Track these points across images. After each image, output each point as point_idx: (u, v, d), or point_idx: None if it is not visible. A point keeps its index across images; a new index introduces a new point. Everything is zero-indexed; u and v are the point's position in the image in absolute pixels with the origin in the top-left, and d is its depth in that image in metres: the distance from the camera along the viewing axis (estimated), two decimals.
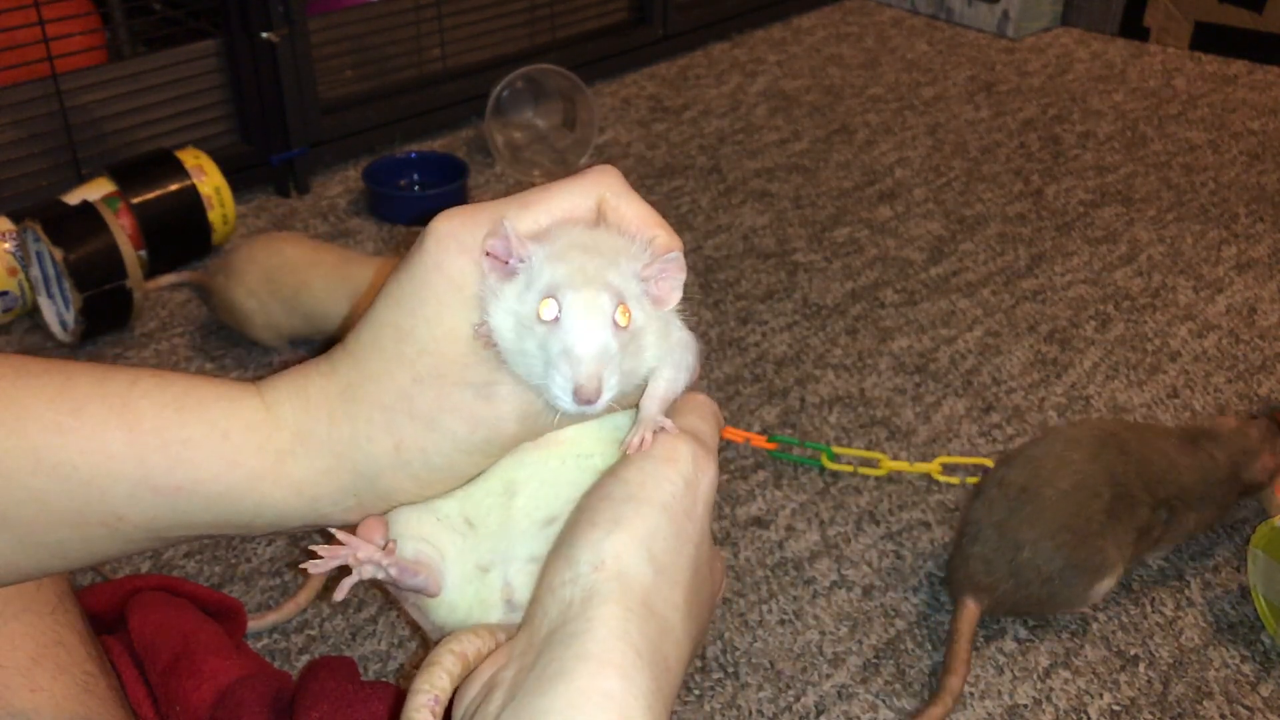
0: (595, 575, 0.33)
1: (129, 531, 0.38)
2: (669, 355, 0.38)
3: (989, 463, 0.99)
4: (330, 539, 0.38)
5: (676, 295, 0.37)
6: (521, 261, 0.36)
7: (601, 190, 0.38)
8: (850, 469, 1.01)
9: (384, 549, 0.38)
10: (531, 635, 0.34)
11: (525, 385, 0.36)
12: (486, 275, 0.36)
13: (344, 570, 0.39)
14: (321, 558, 0.38)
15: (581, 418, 0.38)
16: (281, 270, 1.10)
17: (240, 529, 0.39)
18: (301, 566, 0.38)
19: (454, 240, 0.37)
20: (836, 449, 1.01)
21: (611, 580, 0.33)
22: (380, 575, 0.38)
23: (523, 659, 0.34)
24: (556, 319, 0.35)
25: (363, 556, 0.38)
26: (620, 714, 0.31)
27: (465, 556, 0.40)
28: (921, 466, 1.01)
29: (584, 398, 0.34)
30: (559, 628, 0.33)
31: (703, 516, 0.36)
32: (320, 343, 1.16)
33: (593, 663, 0.32)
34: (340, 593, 0.38)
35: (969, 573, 0.84)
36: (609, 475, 0.36)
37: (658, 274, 0.37)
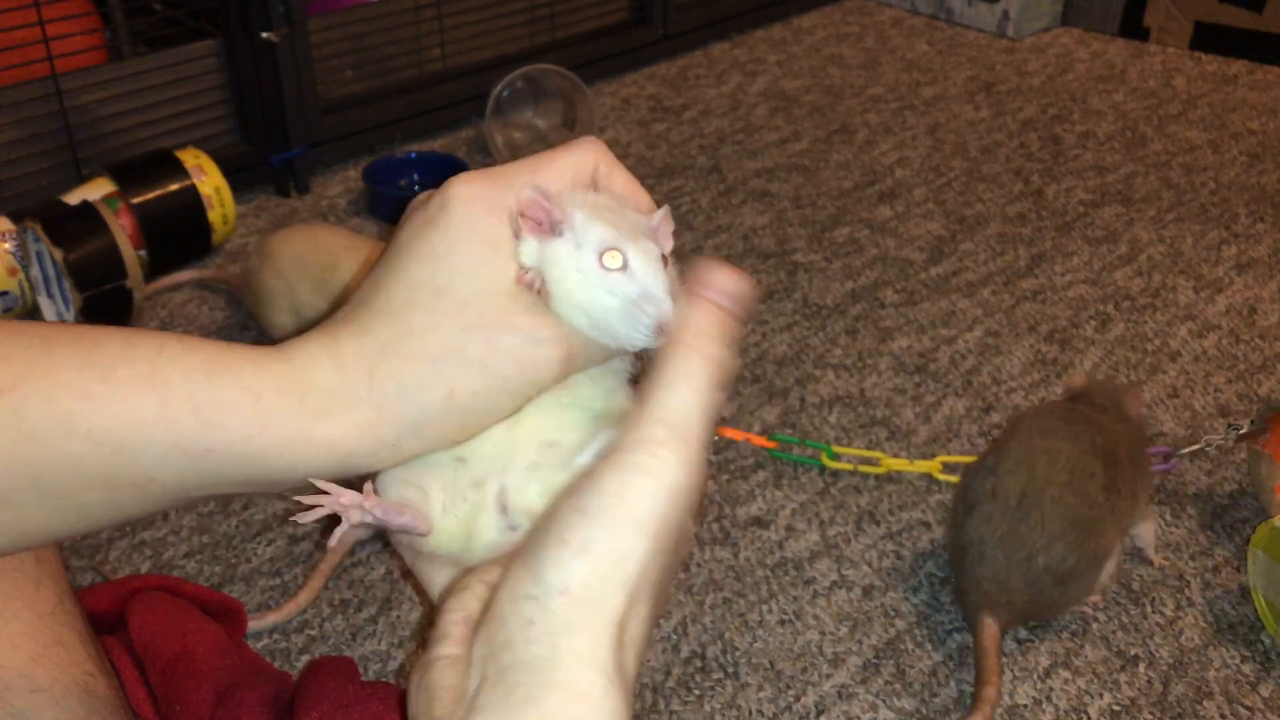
0: (561, 601, 0.33)
1: (157, 492, 0.39)
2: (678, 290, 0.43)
3: None
4: (315, 491, 0.40)
5: (670, 244, 0.43)
6: (563, 223, 0.40)
7: (596, 159, 0.42)
8: (850, 468, 1.01)
9: (364, 493, 0.40)
10: (491, 644, 0.34)
11: (576, 329, 0.40)
12: (525, 234, 0.40)
13: (333, 523, 0.40)
14: (307, 510, 0.40)
15: (643, 348, 0.41)
16: (314, 251, 1.11)
17: (268, 486, 0.40)
18: (290, 518, 0.39)
19: (480, 201, 0.39)
20: (836, 448, 1.01)
21: (579, 607, 0.33)
22: (366, 519, 0.40)
23: (483, 668, 0.34)
24: (623, 268, 0.39)
25: (346, 502, 0.39)
26: None
27: (457, 481, 0.41)
28: (922, 465, 1.01)
29: (667, 329, 0.38)
30: (520, 645, 0.33)
31: (682, 520, 0.35)
32: None
33: (562, 691, 0.31)
34: (333, 540, 0.41)
35: (984, 593, 0.83)
36: (587, 481, 0.35)
37: (658, 227, 0.42)
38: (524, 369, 0.39)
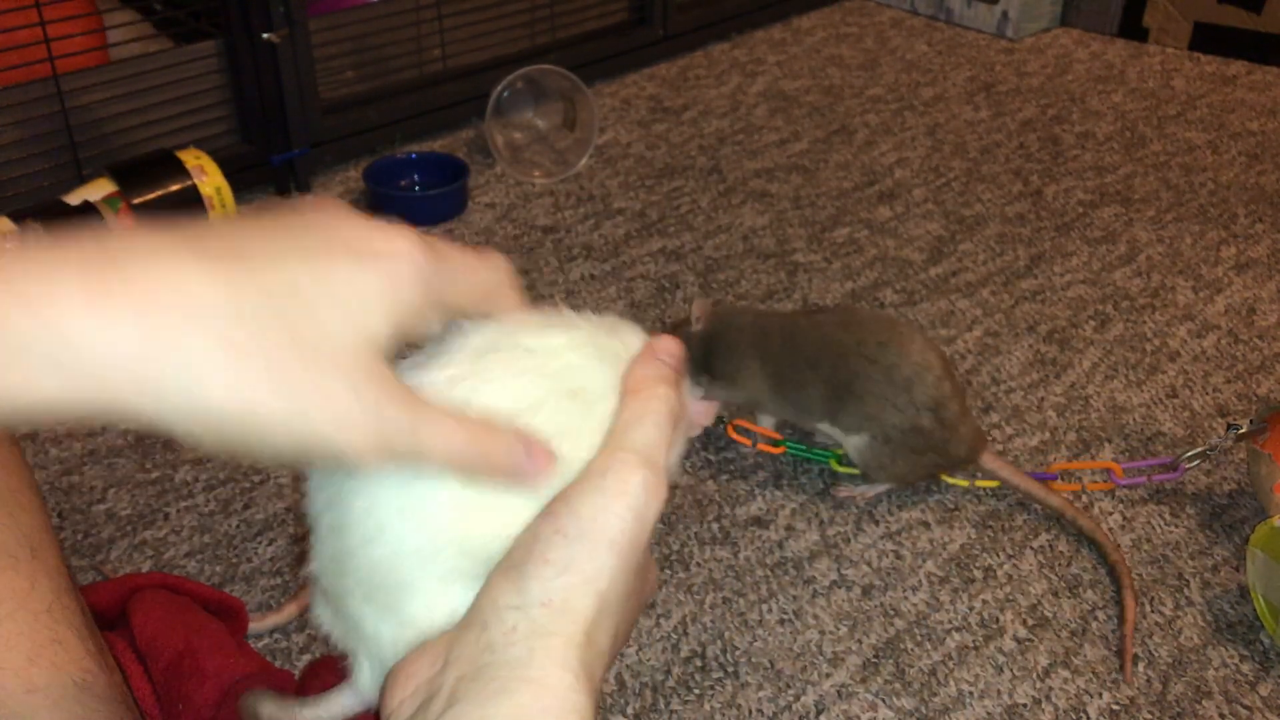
0: (542, 611, 0.36)
1: None
2: None
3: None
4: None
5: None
6: None
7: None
8: (857, 470, 1.01)
9: None
10: (472, 645, 0.36)
11: None
12: None
13: None
14: None
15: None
16: None
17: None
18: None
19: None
20: (840, 452, 1.01)
21: (556, 616, 0.36)
22: None
23: (460, 666, 0.36)
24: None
25: None
26: None
27: None
28: None
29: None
30: (501, 648, 0.35)
31: (647, 542, 0.38)
32: None
33: (534, 685, 0.34)
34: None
35: (977, 434, 0.96)
36: (562, 504, 0.37)
37: None
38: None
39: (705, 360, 0.98)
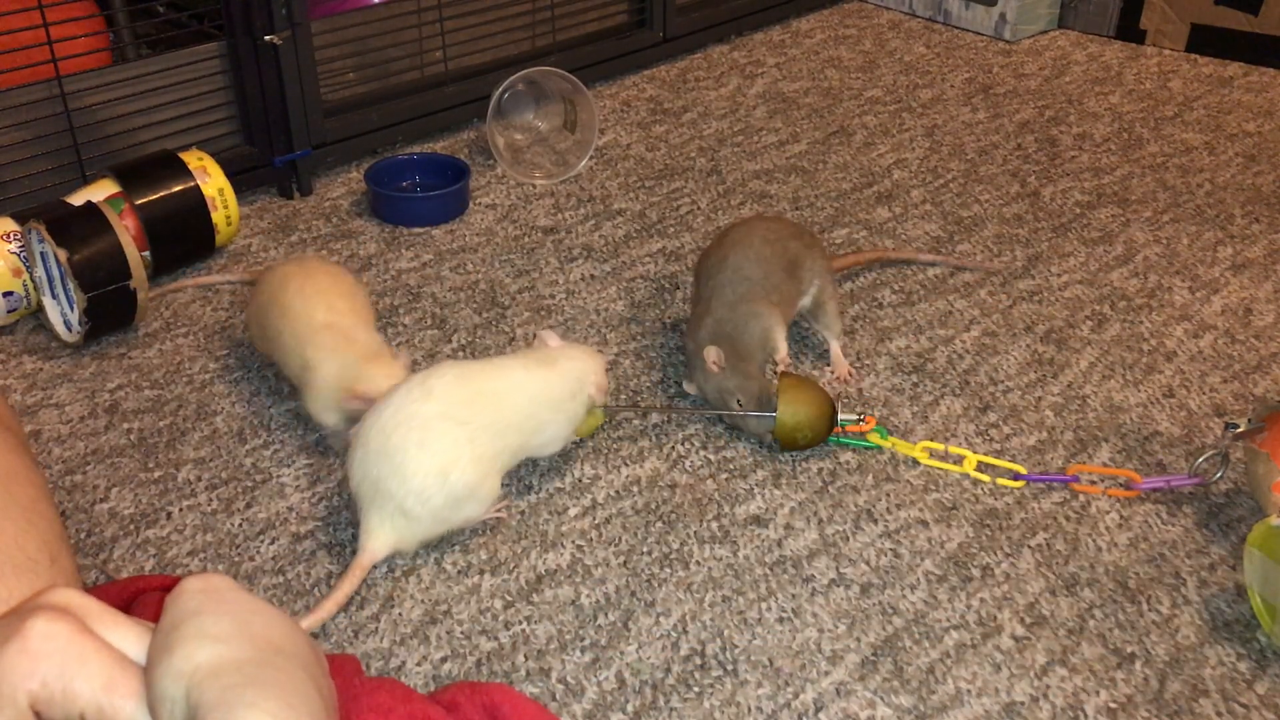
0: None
1: None
2: None
3: (991, 460, 1.00)
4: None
5: None
6: None
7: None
8: (891, 443, 1.02)
9: None
10: None
11: None
12: None
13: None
14: None
15: None
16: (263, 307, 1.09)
17: None
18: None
19: None
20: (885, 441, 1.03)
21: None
22: None
23: None
24: None
25: None
26: None
27: None
28: (928, 451, 1.02)
29: None
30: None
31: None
32: None
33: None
34: None
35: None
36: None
37: None
38: None
39: (745, 348, 1.08)
